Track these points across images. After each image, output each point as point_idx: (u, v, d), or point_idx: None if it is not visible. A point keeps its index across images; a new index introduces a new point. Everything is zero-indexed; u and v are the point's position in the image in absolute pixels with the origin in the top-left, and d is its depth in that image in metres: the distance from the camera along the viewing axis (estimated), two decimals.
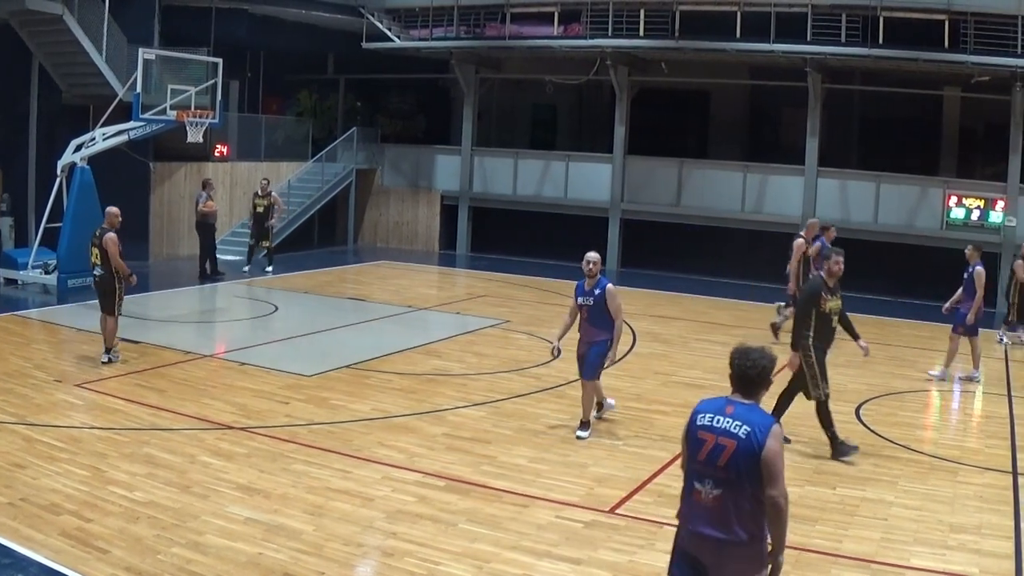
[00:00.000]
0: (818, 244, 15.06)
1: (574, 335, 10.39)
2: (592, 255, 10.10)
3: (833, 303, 9.90)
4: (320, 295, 18.98)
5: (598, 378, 10.23)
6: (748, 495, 4.76)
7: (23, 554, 6.71)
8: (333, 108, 28.98)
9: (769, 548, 4.86)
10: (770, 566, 4.87)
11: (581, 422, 10.26)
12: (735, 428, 4.81)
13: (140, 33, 20.66)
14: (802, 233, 15.36)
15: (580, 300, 10.12)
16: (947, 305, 14.03)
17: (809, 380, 9.81)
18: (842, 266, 10.06)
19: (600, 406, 10.64)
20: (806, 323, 9.76)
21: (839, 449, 9.77)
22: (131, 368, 12.29)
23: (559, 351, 10.45)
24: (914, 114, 24.01)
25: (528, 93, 28.86)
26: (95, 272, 12.68)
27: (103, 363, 12.37)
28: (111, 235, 12.41)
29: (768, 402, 5.10)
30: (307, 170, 26.16)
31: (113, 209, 12.87)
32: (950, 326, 13.99)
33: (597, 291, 9.99)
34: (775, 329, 15.36)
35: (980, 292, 13.21)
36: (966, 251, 13.78)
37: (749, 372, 4.96)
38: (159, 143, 21.65)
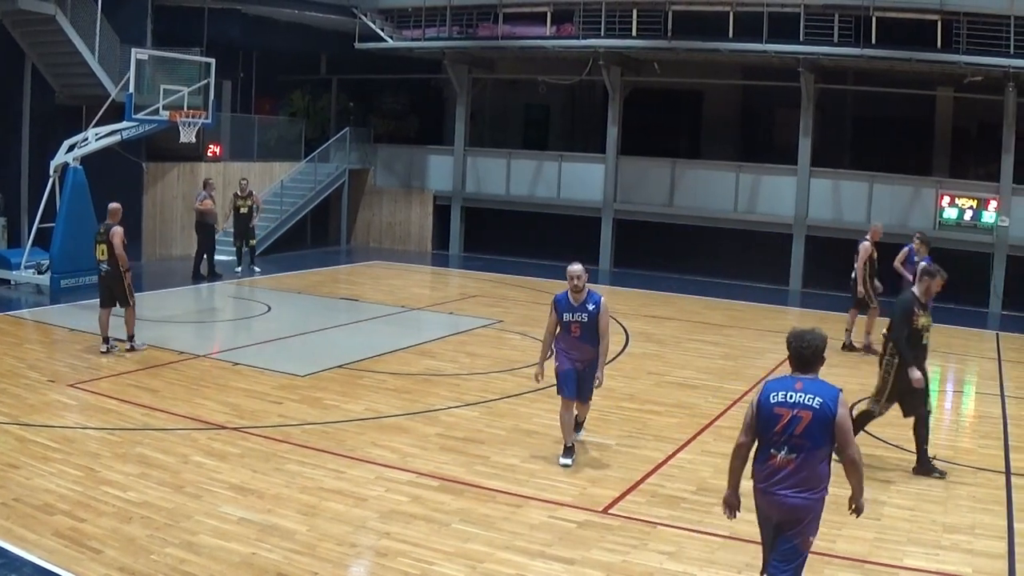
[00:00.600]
0: (906, 250, 15.16)
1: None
2: (577, 268, 9.28)
3: (925, 319, 9.57)
4: (313, 295, 18.96)
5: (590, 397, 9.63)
6: (819, 457, 5.57)
7: (16, 554, 6.70)
8: (326, 108, 28.95)
9: (851, 495, 5.81)
10: (855, 506, 5.88)
11: (565, 448, 9.39)
12: (809, 401, 5.57)
13: (133, 33, 20.62)
14: (868, 236, 15.18)
15: (570, 317, 9.19)
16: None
17: (875, 392, 9.59)
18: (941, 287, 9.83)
19: (579, 425, 9.89)
20: (904, 338, 9.36)
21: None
22: (124, 368, 12.27)
23: (542, 376, 9.41)
24: (907, 114, 24.04)
25: (521, 93, 28.90)
26: (101, 268, 13.07)
27: (126, 351, 13.01)
28: (118, 228, 12.93)
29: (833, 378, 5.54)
30: (300, 170, 26.14)
31: (115, 205, 13.34)
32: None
33: (591, 307, 9.18)
34: (866, 348, 14.95)
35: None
36: (913, 244, 14.19)
37: (805, 352, 5.72)
38: (152, 143, 21.61)
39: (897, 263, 15.18)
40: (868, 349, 14.81)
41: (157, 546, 6.97)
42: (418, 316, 17.53)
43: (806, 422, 5.53)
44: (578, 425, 9.81)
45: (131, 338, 13.23)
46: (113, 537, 7.07)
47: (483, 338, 15.45)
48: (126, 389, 11.29)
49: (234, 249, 21.49)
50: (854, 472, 5.67)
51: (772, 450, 5.62)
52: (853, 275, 15.12)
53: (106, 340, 13.11)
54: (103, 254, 12.98)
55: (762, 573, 5.93)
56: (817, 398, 5.56)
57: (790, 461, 5.57)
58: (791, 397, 5.61)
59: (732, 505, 5.96)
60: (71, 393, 11.06)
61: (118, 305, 13.13)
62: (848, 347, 15.23)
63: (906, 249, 15.17)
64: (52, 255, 17.64)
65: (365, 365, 13.14)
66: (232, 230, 21.71)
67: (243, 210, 21.03)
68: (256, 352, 13.75)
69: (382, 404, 11.23)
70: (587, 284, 9.39)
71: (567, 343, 9.33)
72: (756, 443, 5.76)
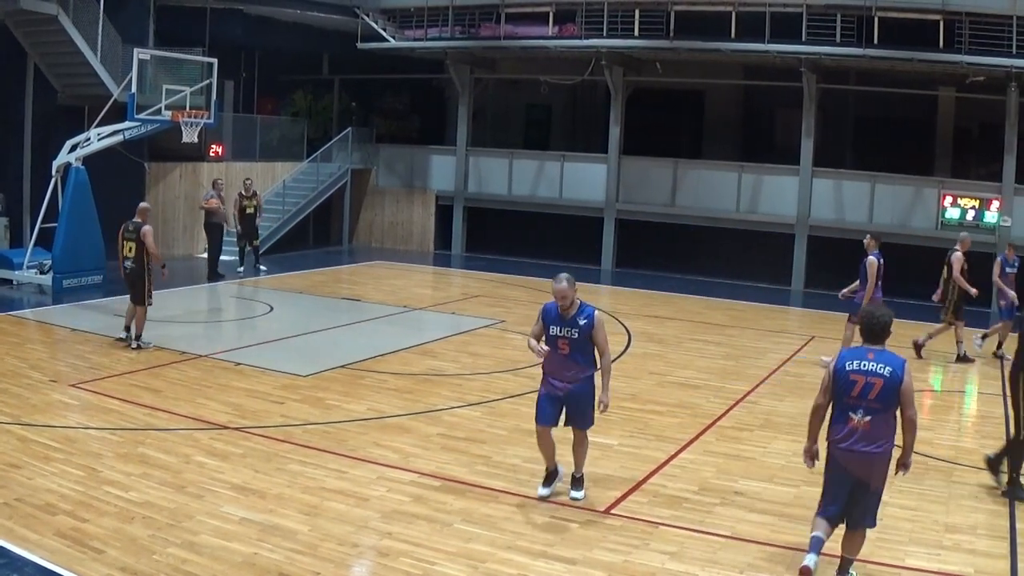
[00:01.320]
0: (999, 260, 15.27)
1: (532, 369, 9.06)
2: (562, 287, 8.00)
3: None
4: (315, 295, 18.97)
5: (592, 424, 8.38)
6: (888, 417, 6.51)
7: (18, 554, 6.70)
8: (328, 108, 28.98)
9: (902, 451, 6.63)
10: (904, 463, 6.68)
11: (548, 472, 8.45)
12: (880, 369, 6.49)
13: (135, 33, 20.64)
14: (957, 247, 15.08)
15: (557, 331, 8.11)
16: (844, 292, 14.36)
17: (1014, 415, 9.04)
18: None
19: (553, 474, 8.50)
20: None
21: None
22: (126, 368, 12.28)
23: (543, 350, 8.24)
24: (909, 114, 24.04)
25: (523, 93, 28.88)
26: (126, 265, 13.39)
27: (132, 347, 13.23)
28: (148, 227, 13.25)
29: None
30: (302, 170, 26.15)
31: (145, 204, 13.86)
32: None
33: (583, 320, 8.05)
34: (919, 348, 14.93)
35: (871, 281, 13.66)
36: (864, 240, 14.13)
37: (875, 327, 6.70)
38: (154, 143, 21.64)
39: (996, 277, 15.21)
40: (964, 359, 14.89)
41: (159, 546, 6.97)
42: (420, 316, 17.53)
43: (878, 388, 6.46)
44: (575, 481, 8.44)
45: (137, 337, 13.36)
46: (115, 537, 7.08)
47: (485, 338, 15.45)
48: (128, 389, 11.30)
49: (236, 249, 21.49)
50: (911, 431, 6.56)
51: (850, 413, 6.53)
52: (941, 289, 15.03)
53: (130, 332, 13.46)
54: (130, 251, 13.29)
55: (816, 516, 6.79)
56: (887, 367, 6.48)
57: (866, 423, 6.49)
58: (864, 366, 6.53)
59: (812, 454, 6.90)
60: (73, 393, 11.07)
61: (133, 302, 13.42)
62: (963, 358, 14.93)
63: (999, 259, 15.26)
64: (54, 255, 17.66)
65: (367, 365, 13.15)
66: (236, 230, 21.72)
67: (249, 210, 21.08)
68: (258, 352, 13.75)
69: (384, 404, 11.23)
70: (578, 296, 8.22)
71: (553, 365, 8.22)
72: (832, 406, 6.68)
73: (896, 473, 6.73)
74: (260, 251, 21.77)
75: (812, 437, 6.87)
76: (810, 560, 6.57)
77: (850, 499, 6.65)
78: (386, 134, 28.87)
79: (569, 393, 8.17)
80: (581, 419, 8.28)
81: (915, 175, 22.16)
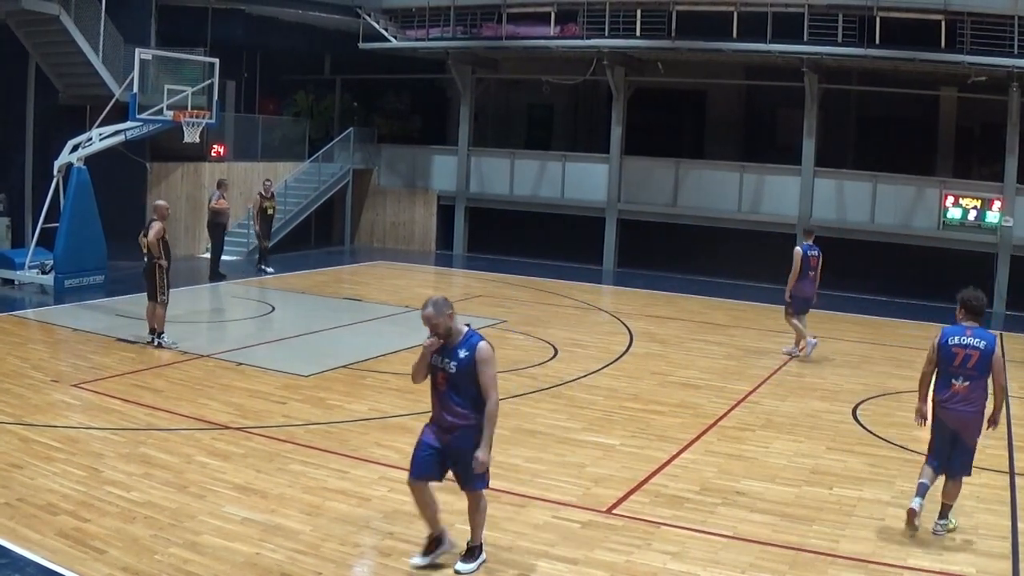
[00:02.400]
0: None
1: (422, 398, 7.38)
2: (427, 310, 6.58)
3: None
4: (317, 295, 18.97)
5: (486, 485, 6.79)
6: (982, 383, 7.72)
7: (20, 554, 6.70)
8: (329, 108, 28.96)
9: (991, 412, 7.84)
10: (992, 421, 7.84)
11: (429, 539, 6.88)
12: (977, 342, 7.71)
13: (137, 33, 20.65)
14: None
15: (437, 361, 6.64)
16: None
17: None
18: None
19: (438, 541, 6.88)
20: None
21: None
22: (128, 368, 12.28)
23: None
24: (911, 114, 24.03)
25: (524, 93, 28.88)
26: (144, 261, 13.63)
27: (147, 343, 13.45)
28: (156, 223, 13.39)
29: None
30: (304, 170, 26.14)
31: (161, 203, 14.17)
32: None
33: (463, 353, 6.56)
34: None
35: (793, 270, 14.25)
36: (800, 233, 14.51)
37: (975, 305, 7.90)
38: (155, 143, 21.64)
39: None
40: None
41: (161, 546, 6.97)
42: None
43: (975, 359, 7.66)
44: (468, 550, 6.88)
45: (151, 332, 13.56)
46: (117, 537, 7.08)
47: (487, 338, 15.40)
48: (130, 389, 11.30)
49: (245, 250, 21.51)
50: (1001, 394, 7.91)
51: (952, 380, 7.73)
52: None
53: (152, 332, 13.57)
54: (146, 247, 13.47)
55: (924, 465, 7.91)
56: (983, 341, 7.71)
57: (964, 387, 7.70)
58: (963, 340, 7.74)
59: (923, 414, 7.99)
60: (75, 393, 11.07)
61: (148, 299, 13.57)
62: None
63: None
64: (56, 255, 17.65)
65: (369, 365, 13.15)
66: (255, 230, 21.78)
67: (269, 211, 21.19)
68: (260, 352, 13.75)
69: (386, 404, 11.23)
70: (467, 324, 6.80)
71: (433, 401, 6.77)
72: (936, 374, 7.86)
73: (987, 428, 7.83)
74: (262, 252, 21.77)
75: (922, 399, 8.01)
76: (915, 503, 7.69)
77: (951, 452, 7.78)
78: (388, 134, 28.85)
79: (448, 444, 6.66)
80: (466, 477, 6.71)
81: (917, 175, 22.13)
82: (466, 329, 6.70)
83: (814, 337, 14.59)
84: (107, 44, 19.75)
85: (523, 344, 14.98)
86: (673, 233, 24.06)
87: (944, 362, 7.80)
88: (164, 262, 13.41)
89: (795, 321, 14.59)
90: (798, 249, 14.54)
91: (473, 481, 6.69)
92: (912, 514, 7.65)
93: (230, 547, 7.01)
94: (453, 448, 6.63)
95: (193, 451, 9.19)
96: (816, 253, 14.48)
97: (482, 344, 6.61)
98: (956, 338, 7.78)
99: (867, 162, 23.30)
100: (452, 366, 6.56)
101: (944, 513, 7.87)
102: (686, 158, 24.97)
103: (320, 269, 22.65)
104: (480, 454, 6.53)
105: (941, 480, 7.88)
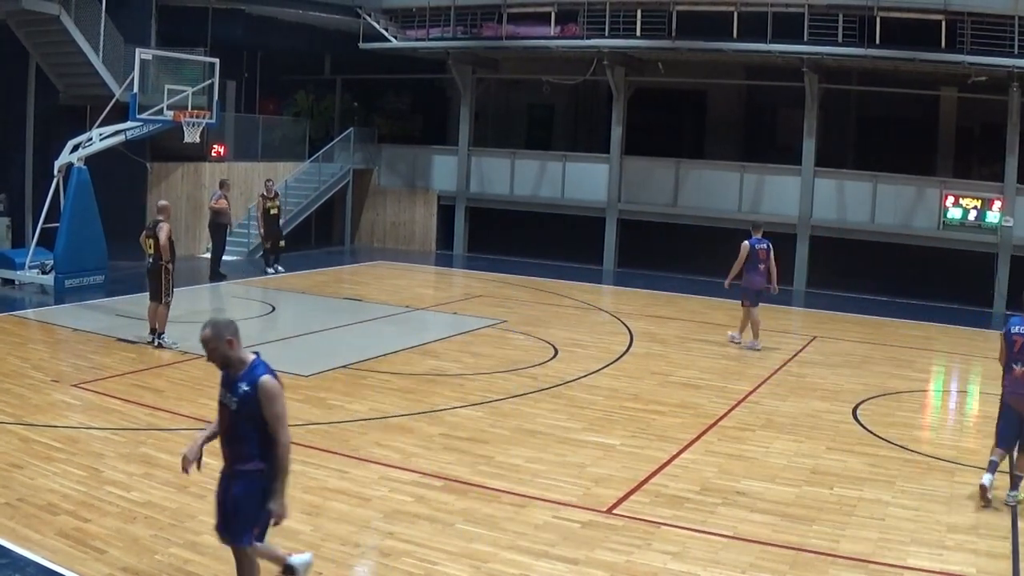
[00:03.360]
0: None
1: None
2: (205, 331, 5.68)
3: None
4: (317, 295, 18.97)
5: (257, 540, 5.87)
6: None
7: (20, 554, 6.70)
8: (330, 108, 28.98)
9: None
10: None
11: None
12: None
13: (137, 33, 20.64)
14: None
15: (222, 395, 5.79)
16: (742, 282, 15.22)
17: None
18: None
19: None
20: None
21: None
22: (128, 368, 12.28)
23: (196, 462, 5.96)
24: (911, 114, 24.03)
25: (525, 93, 28.88)
26: (147, 262, 13.73)
27: (148, 343, 13.47)
28: (165, 224, 13.49)
29: None
30: (304, 170, 26.14)
31: (164, 203, 14.34)
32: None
33: (244, 386, 5.62)
34: None
35: (737, 262, 14.93)
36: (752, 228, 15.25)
37: None
38: (156, 143, 21.62)
39: None
40: None
41: (161, 546, 6.97)
42: (422, 316, 17.53)
43: None
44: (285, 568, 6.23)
45: (152, 331, 13.58)
46: (117, 537, 7.08)
47: (487, 338, 15.45)
48: (130, 389, 11.30)
49: (246, 250, 21.52)
50: None
51: (1014, 365, 8.52)
52: None
53: (153, 331, 13.60)
54: (150, 248, 13.56)
55: (995, 447, 8.64)
56: None
57: (1023, 372, 8.45)
58: (1022, 328, 8.51)
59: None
60: (75, 393, 11.07)
61: (151, 299, 13.63)
62: None
63: None
64: (56, 255, 17.65)
65: (369, 365, 13.15)
66: (259, 232, 21.80)
67: (272, 211, 21.19)
68: (260, 352, 13.71)
69: (386, 404, 11.23)
70: (254, 352, 5.84)
71: (221, 444, 5.87)
72: (1005, 358, 8.62)
73: None
74: (265, 253, 21.79)
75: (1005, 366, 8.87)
76: (986, 479, 8.42)
77: (1020, 430, 8.48)
78: (388, 134, 28.86)
79: (226, 489, 5.81)
80: (231, 527, 5.82)
81: (917, 175, 22.14)
82: (252, 358, 5.74)
83: (759, 343, 15.04)
84: (107, 44, 19.74)
85: (523, 344, 14.99)
86: (673, 233, 24.06)
87: (1008, 349, 8.58)
88: (171, 265, 13.48)
89: (752, 311, 15.09)
90: (746, 243, 15.05)
91: (235, 534, 5.79)
92: (984, 489, 8.38)
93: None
94: (228, 494, 5.75)
95: None
96: (765, 246, 15.04)
97: (265, 377, 5.62)
98: (1017, 327, 8.55)
99: (867, 162, 23.31)
100: (233, 402, 5.66)
101: (1015, 483, 8.46)
102: (686, 158, 24.98)
103: (320, 269, 22.66)
104: (273, 506, 5.64)
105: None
